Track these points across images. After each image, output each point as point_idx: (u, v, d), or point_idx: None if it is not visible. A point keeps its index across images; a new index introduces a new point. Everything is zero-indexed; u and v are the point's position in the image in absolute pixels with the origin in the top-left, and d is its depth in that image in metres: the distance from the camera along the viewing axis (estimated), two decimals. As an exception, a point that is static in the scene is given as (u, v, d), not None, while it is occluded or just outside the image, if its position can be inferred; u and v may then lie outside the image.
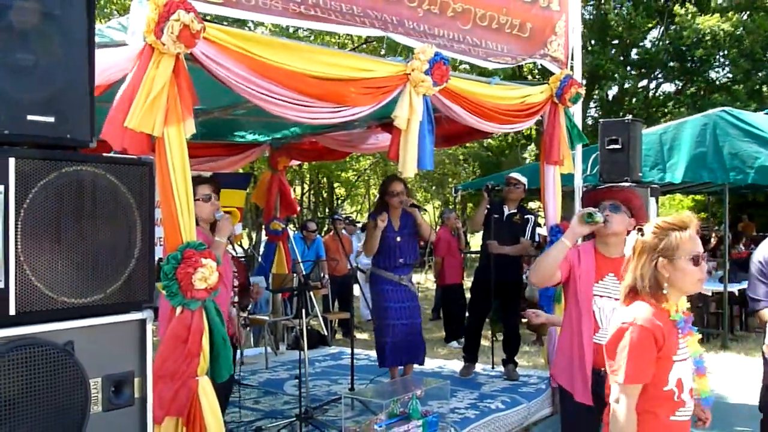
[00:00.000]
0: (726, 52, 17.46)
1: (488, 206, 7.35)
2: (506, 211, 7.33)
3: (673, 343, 2.69)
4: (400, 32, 4.86)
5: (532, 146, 19.64)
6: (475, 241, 13.74)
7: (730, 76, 18.74)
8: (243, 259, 14.17)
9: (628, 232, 3.60)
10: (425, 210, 6.50)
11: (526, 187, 7.43)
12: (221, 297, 4.34)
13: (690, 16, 17.11)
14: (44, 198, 2.40)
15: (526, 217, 7.30)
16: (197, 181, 4.20)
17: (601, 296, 3.68)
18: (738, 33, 16.74)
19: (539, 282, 3.87)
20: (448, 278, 10.07)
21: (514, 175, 7.48)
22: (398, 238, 6.26)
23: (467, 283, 8.76)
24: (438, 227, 11.47)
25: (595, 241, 3.81)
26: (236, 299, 5.53)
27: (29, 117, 2.42)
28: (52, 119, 2.47)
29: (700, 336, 2.87)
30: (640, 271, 2.71)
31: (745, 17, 16.96)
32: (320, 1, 4.36)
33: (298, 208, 9.52)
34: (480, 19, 5.44)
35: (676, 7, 17.48)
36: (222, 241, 4.26)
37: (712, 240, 14.88)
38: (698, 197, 23.95)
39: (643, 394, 2.68)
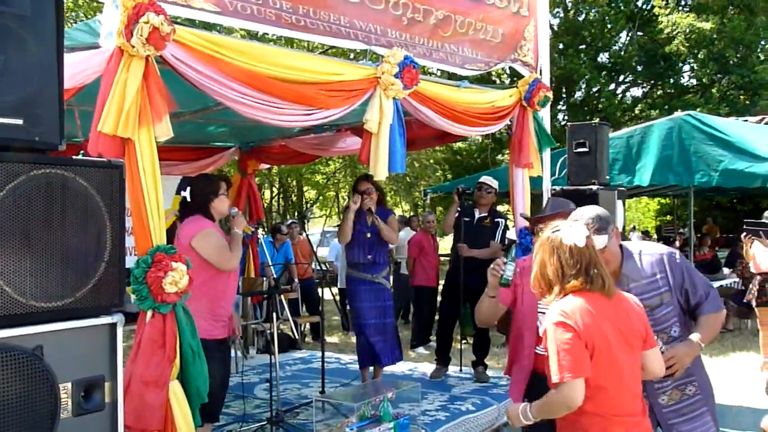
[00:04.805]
0: (697, 52, 17.72)
1: (459, 209, 7.39)
2: (477, 215, 7.37)
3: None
4: (383, 44, 4.90)
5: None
6: (444, 245, 13.79)
7: (699, 78, 19.02)
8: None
9: None
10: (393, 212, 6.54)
11: (498, 191, 7.47)
12: (231, 286, 4.65)
13: (668, 10, 17.36)
14: (13, 201, 2.37)
15: (496, 220, 7.34)
16: (219, 177, 4.83)
17: (544, 313, 3.62)
18: (711, 35, 17.00)
19: (486, 325, 3.75)
20: (420, 280, 10.09)
21: (485, 179, 7.52)
22: (368, 235, 6.32)
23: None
24: (417, 230, 11.50)
25: None
26: None
27: (-3, 119, 2.39)
28: (20, 122, 2.44)
29: None
30: None
31: (717, 18, 17.22)
32: (310, 12, 4.44)
33: (263, 217, 9.50)
34: (459, 26, 5.51)
35: (656, 0, 17.71)
36: (240, 233, 4.62)
37: (677, 242, 15.11)
38: (664, 200, 24.30)
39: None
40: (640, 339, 2.78)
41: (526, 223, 6.16)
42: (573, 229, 2.75)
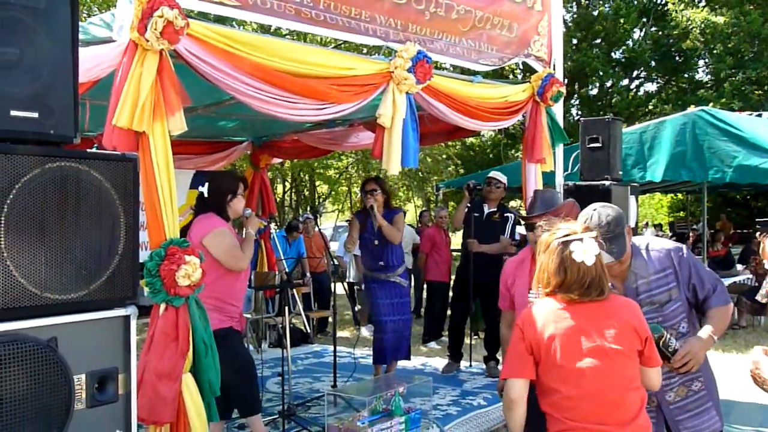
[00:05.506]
0: (712, 47, 17.61)
1: (468, 205, 7.39)
2: (486, 210, 7.37)
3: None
4: (401, 39, 4.89)
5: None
6: (456, 240, 13.80)
7: (714, 73, 18.89)
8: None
9: None
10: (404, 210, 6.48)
11: (506, 186, 7.47)
12: (240, 286, 4.65)
13: (682, 6, 17.26)
14: (28, 194, 2.38)
15: (505, 215, 7.35)
16: (238, 178, 4.86)
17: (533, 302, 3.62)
18: (727, 30, 16.88)
19: None
20: (431, 275, 10.10)
21: (495, 174, 7.52)
22: (376, 242, 6.29)
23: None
24: (429, 225, 11.49)
25: (533, 248, 3.79)
26: None
27: (12, 112, 2.39)
28: (35, 115, 2.45)
29: None
30: None
31: (732, 13, 17.07)
32: (330, 6, 4.43)
33: (275, 211, 9.54)
34: (478, 21, 5.50)
35: None
36: (253, 234, 4.70)
37: (690, 238, 15.04)
38: (677, 196, 24.19)
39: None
40: (628, 348, 2.66)
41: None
42: (584, 246, 2.66)
